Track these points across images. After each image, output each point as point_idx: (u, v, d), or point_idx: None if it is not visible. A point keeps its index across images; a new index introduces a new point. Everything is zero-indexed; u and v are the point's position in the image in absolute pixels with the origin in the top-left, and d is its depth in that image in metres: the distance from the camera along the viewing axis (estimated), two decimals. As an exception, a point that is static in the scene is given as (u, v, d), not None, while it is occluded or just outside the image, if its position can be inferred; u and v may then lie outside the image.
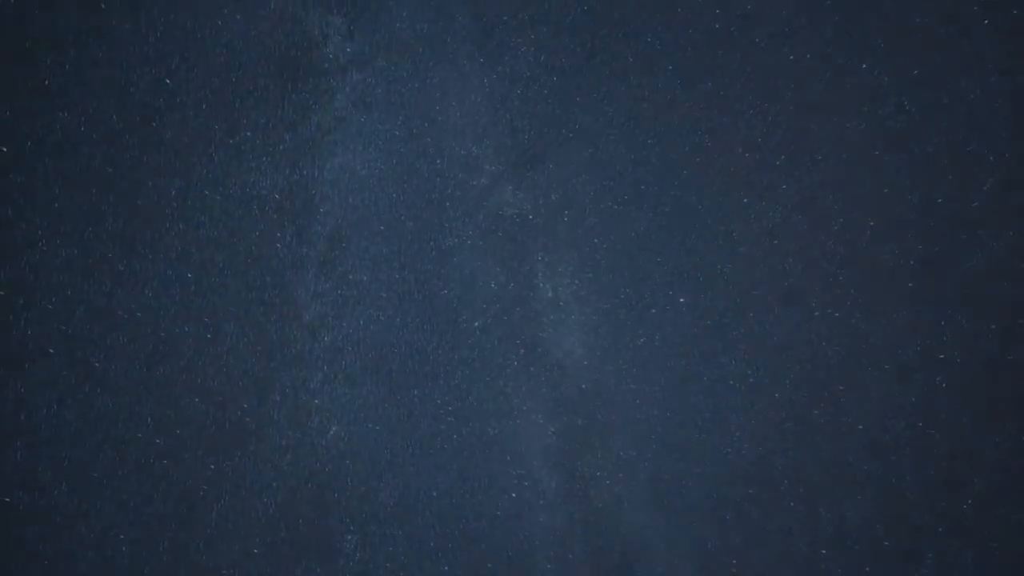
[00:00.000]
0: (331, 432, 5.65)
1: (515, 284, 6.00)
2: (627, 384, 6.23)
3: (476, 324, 5.83)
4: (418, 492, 6.03)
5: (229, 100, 5.46)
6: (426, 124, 5.72)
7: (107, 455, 5.52)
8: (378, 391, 5.89)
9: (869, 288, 6.41)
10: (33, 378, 5.43)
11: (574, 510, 6.30)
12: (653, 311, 6.23)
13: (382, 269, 5.67)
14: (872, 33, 6.19)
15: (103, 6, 5.09)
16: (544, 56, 5.84)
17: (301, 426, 5.65)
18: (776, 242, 6.47)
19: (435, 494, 6.03)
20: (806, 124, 6.41)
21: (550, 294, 6.09)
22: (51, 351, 5.35)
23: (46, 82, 5.10)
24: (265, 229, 5.71)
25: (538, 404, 6.14)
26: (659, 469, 6.38)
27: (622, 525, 6.36)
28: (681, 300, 6.26)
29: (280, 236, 5.69)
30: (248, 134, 5.44)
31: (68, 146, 5.36)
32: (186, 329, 5.49)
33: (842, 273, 6.45)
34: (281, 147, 5.57)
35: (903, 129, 6.16)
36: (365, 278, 5.67)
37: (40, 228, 5.42)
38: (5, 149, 4.51)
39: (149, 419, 5.56)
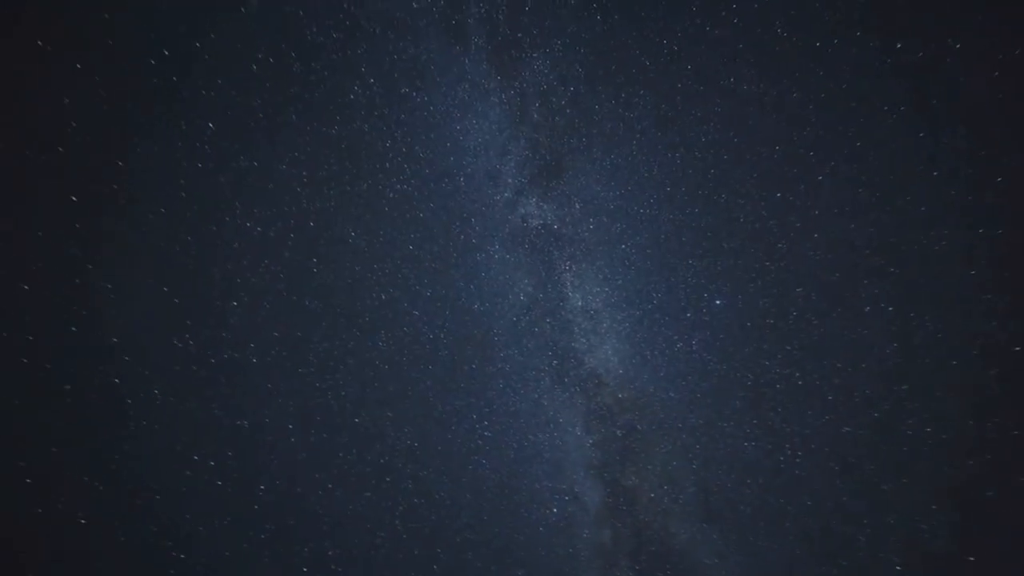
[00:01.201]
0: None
1: (544, 295, 5.42)
2: (666, 392, 5.46)
3: (508, 337, 5.25)
4: (459, 508, 5.45)
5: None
6: (448, 144, 5.30)
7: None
8: (414, 408, 5.39)
9: (923, 279, 5.39)
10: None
11: (619, 524, 5.53)
12: (688, 315, 5.47)
13: (412, 286, 5.21)
14: (898, 12, 5.29)
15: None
16: (559, 68, 5.35)
17: (339, 443, 5.19)
18: (818, 236, 5.59)
19: (476, 510, 5.40)
20: (838, 113, 5.52)
21: (580, 303, 5.47)
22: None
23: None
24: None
25: (574, 415, 5.48)
26: (707, 480, 5.52)
27: (671, 539, 5.51)
28: (718, 302, 5.47)
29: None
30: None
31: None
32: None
33: (892, 264, 5.48)
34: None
35: (943, 118, 5.19)
36: (397, 294, 5.23)
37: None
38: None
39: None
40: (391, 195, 5.34)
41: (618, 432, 5.33)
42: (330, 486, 5.39)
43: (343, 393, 5.47)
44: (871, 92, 5.26)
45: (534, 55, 5.26)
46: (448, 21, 5.31)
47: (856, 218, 5.35)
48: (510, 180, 5.35)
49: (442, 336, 5.38)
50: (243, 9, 5.05)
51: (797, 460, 5.27)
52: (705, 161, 5.43)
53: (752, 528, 5.31)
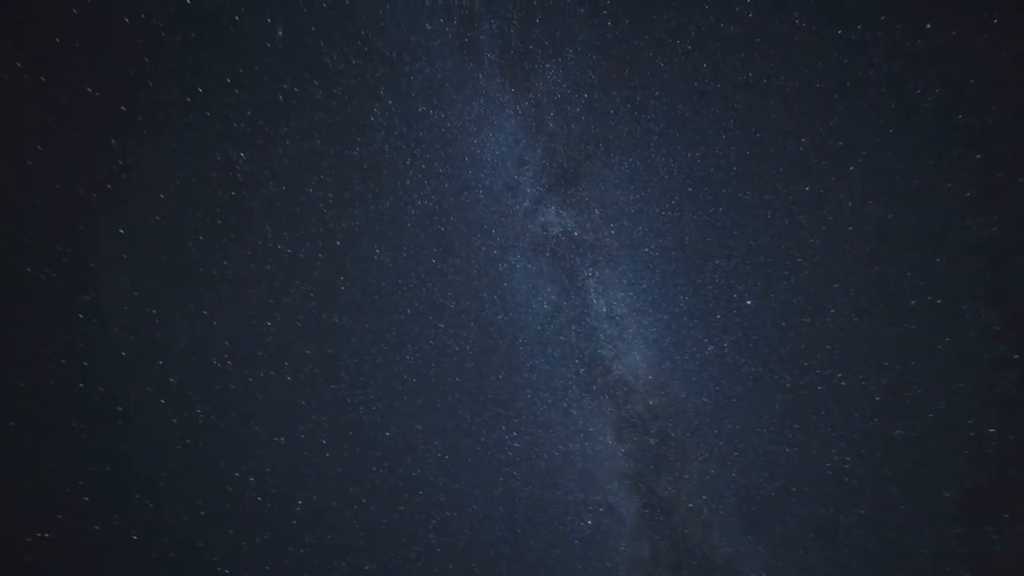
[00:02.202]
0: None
1: (568, 302, 4.95)
2: (699, 398, 4.84)
3: (533, 346, 4.77)
4: (492, 521, 4.95)
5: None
6: (466, 158, 4.96)
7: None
8: (443, 421, 4.96)
9: (974, 267, 4.63)
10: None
11: (657, 536, 4.90)
12: (718, 317, 4.86)
13: (436, 299, 4.83)
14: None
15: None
16: (572, 76, 4.95)
17: (371, 457, 4.81)
18: (853, 228, 4.91)
19: (509, 523, 4.88)
20: (867, 99, 4.86)
21: (604, 309, 4.96)
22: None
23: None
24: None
25: (605, 424, 4.93)
26: (748, 489, 4.83)
27: (713, 552, 4.82)
28: (749, 303, 4.85)
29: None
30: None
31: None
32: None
33: (939, 254, 4.75)
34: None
35: (984, 96, 4.47)
36: (422, 308, 4.86)
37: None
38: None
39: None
40: (413, 211, 5.03)
41: (651, 440, 4.72)
42: (364, 500, 5.00)
43: (373, 407, 5.11)
44: (902, 75, 4.59)
45: (547, 65, 4.88)
46: (461, 39, 5.01)
47: (895, 207, 4.64)
48: (529, 190, 4.97)
49: (467, 348, 4.95)
50: (269, 44, 4.90)
51: (846, 467, 4.53)
52: (727, 158, 4.86)
53: (801, 540, 4.57)
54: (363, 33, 5.21)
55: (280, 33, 5.16)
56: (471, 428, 5.14)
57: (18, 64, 4.87)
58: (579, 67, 5.20)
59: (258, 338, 5.28)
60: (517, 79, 5.29)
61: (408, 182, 5.38)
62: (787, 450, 4.68)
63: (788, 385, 4.75)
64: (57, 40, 4.67)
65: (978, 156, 4.60)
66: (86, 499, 5.25)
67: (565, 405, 4.98)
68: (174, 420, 5.23)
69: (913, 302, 4.64)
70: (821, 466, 4.67)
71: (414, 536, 5.24)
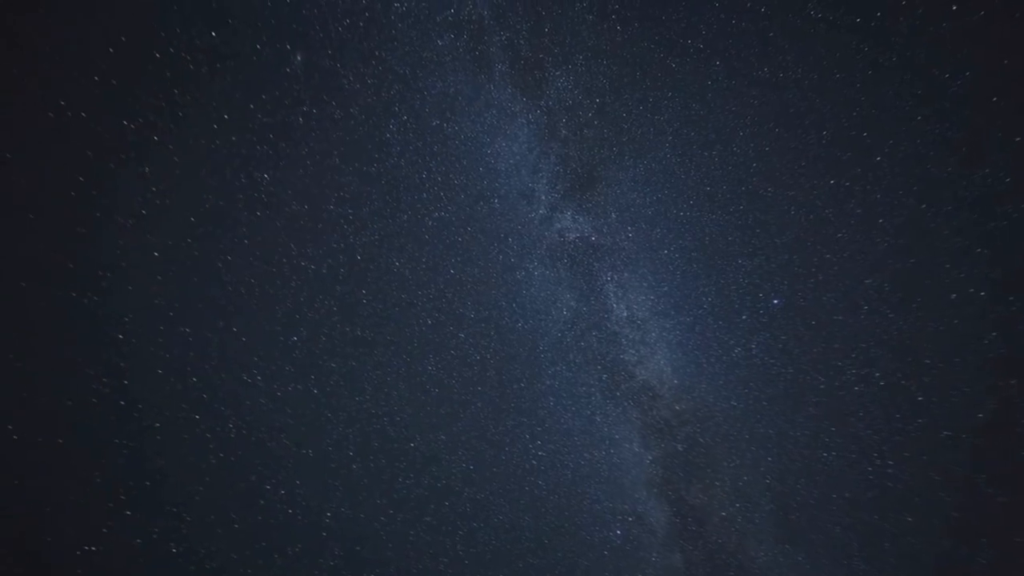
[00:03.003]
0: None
1: (588, 308, 4.58)
2: (728, 402, 4.37)
3: (554, 353, 4.40)
4: (519, 532, 4.55)
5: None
6: (480, 168, 4.69)
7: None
8: (467, 431, 4.62)
9: (1016, 258, 4.04)
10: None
11: (690, 547, 4.41)
12: (744, 318, 4.40)
13: (456, 309, 4.53)
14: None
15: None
16: (583, 82, 4.65)
17: (397, 468, 4.50)
18: (883, 221, 4.40)
19: (536, 533, 4.48)
20: (892, 87, 4.37)
21: (625, 313, 4.57)
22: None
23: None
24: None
25: (630, 430, 4.50)
26: (785, 496, 4.30)
27: (750, 563, 4.29)
28: (775, 302, 4.38)
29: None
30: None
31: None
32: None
33: (979, 244, 4.18)
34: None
35: (1018, 75, 3.92)
36: (442, 318, 4.57)
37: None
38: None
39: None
40: (430, 223, 4.78)
41: (679, 447, 4.27)
42: (391, 511, 4.69)
43: (397, 418, 4.81)
44: (928, 60, 4.07)
45: (557, 73, 4.59)
46: (472, 53, 4.77)
47: (928, 196, 4.10)
48: (543, 197, 4.66)
49: (488, 357, 4.62)
50: (288, 70, 4.76)
51: (889, 471, 3.97)
52: (745, 155, 4.42)
53: (845, 549, 4.01)
54: (377, 53, 5.04)
55: (299, 59, 5.05)
56: (495, 437, 4.78)
57: (62, 103, 4.86)
58: (589, 73, 4.87)
59: (285, 353, 5.08)
60: (528, 88, 5.01)
61: (425, 195, 5.14)
62: (824, 455, 4.15)
63: (822, 387, 4.23)
64: (95, 78, 4.66)
65: (1018, 139, 4.03)
66: (128, 513, 5.12)
67: (589, 412, 4.57)
68: (208, 435, 5.05)
69: (954, 295, 4.08)
70: (862, 471, 4.12)
71: (441, 547, 4.88)
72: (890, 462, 4.15)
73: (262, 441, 5.22)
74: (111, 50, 4.82)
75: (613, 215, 4.87)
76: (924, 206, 4.32)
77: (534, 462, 4.65)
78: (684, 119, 4.85)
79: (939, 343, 4.18)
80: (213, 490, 5.21)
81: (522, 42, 5.11)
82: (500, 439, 4.85)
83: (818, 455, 4.21)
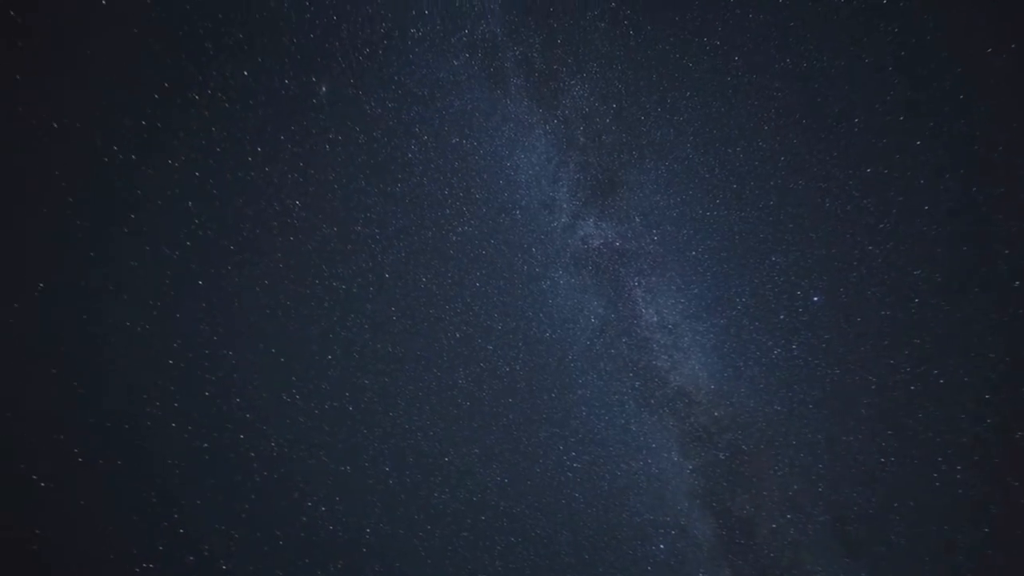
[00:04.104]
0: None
1: (616, 314, 4.13)
2: (770, 406, 3.77)
3: (584, 362, 3.93)
4: (558, 546, 4.06)
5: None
6: (500, 181, 4.34)
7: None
8: (500, 443, 4.19)
9: None
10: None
11: (740, 561, 3.81)
12: (782, 317, 3.82)
13: (484, 322, 4.15)
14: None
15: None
16: (599, 89, 4.28)
17: (433, 483, 4.12)
18: (929, 208, 3.77)
19: (576, 547, 3.97)
20: (929, 68, 3.75)
21: (655, 318, 4.06)
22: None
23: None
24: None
25: (668, 439, 3.98)
26: (841, 506, 3.64)
27: None
28: (815, 299, 3.80)
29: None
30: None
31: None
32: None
33: None
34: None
35: None
36: (470, 331, 4.20)
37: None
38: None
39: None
40: (454, 238, 4.45)
41: (721, 455, 3.69)
42: (429, 527, 4.28)
43: (431, 432, 4.44)
44: (967, 36, 3.44)
45: (572, 82, 4.21)
46: (487, 70, 4.46)
47: (978, 178, 3.42)
48: (565, 205, 4.29)
49: (518, 368, 4.21)
50: (314, 100, 4.59)
51: (958, 476, 3.24)
52: (772, 150, 3.88)
53: (913, 563, 3.31)
54: (396, 78, 4.81)
55: (323, 89, 4.88)
56: (528, 449, 4.32)
57: (114, 147, 4.84)
58: (605, 79, 4.46)
59: (321, 372, 4.82)
60: (544, 100, 4.66)
61: (447, 211, 4.83)
62: (882, 460, 3.49)
63: (874, 387, 3.58)
64: (142, 122, 4.64)
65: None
66: (181, 531, 4.91)
67: (623, 421, 4.05)
68: (251, 454, 4.81)
69: (1017, 283, 3.36)
70: (927, 477, 3.43)
71: (480, 563, 4.42)
72: (958, 467, 3.44)
73: (302, 458, 4.94)
74: (156, 96, 4.82)
75: (637, 219, 4.38)
76: (974, 189, 3.63)
77: (569, 474, 4.14)
78: (705, 118, 4.35)
79: (1004, 335, 3.46)
80: (259, 508, 4.95)
81: (535, 55, 4.78)
82: (533, 451, 4.38)
83: (875, 461, 3.54)
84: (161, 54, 4.95)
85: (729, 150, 4.48)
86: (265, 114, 5.21)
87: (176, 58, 4.95)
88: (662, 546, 4.14)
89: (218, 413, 5.21)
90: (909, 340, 3.88)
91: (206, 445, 5.24)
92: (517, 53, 4.99)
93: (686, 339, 4.30)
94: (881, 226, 4.01)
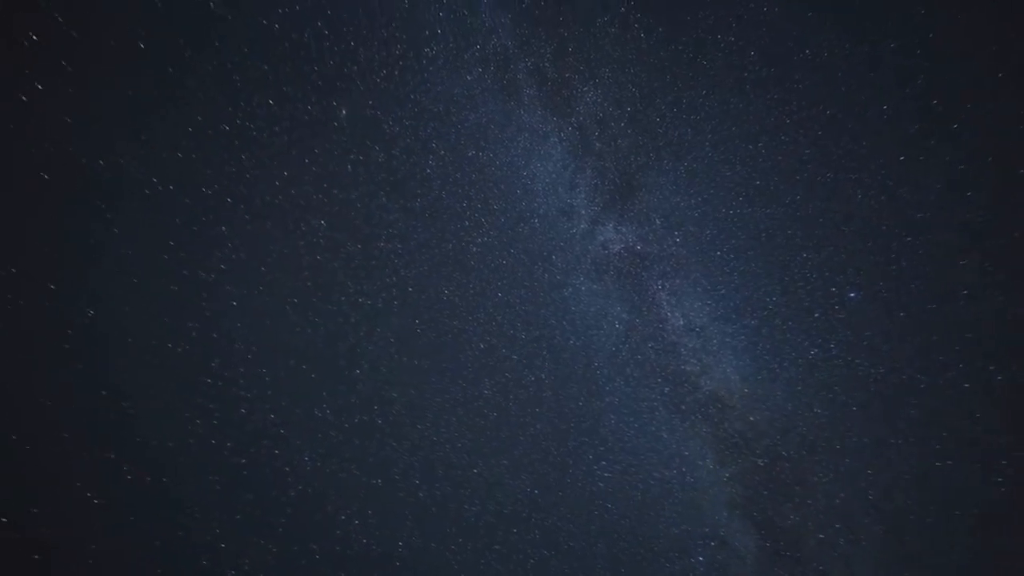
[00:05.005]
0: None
1: (641, 319, 3.78)
2: (810, 409, 3.33)
3: (610, 369, 3.58)
4: (593, 559, 3.70)
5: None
6: (518, 191, 4.08)
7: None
8: (528, 454, 3.86)
9: None
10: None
11: (786, 575, 3.29)
12: (817, 315, 3.39)
13: (507, 331, 3.87)
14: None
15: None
16: (612, 94, 4.00)
17: (463, 495, 3.81)
18: (971, 193, 3.29)
19: (612, 561, 3.58)
20: (960, 47, 3.28)
21: (682, 321, 3.69)
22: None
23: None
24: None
25: (701, 446, 3.58)
26: (895, 515, 3.13)
27: None
28: (852, 295, 3.36)
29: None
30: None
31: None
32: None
33: None
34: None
35: None
36: (494, 341, 3.91)
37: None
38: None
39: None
40: (474, 249, 4.20)
41: (759, 462, 3.25)
42: (461, 540, 3.97)
43: (459, 444, 4.15)
44: (1009, 7, 2.99)
45: (584, 89, 3.94)
46: (500, 82, 4.24)
47: None
48: (583, 211, 4.00)
49: (543, 377, 3.89)
50: (335, 123, 4.46)
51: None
52: (796, 143, 3.48)
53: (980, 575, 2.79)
54: (412, 96, 4.65)
55: (344, 112, 4.75)
56: (557, 459, 3.98)
57: (154, 179, 4.82)
58: (618, 83, 4.16)
59: (350, 386, 4.62)
60: (558, 108, 4.38)
61: (467, 223, 4.58)
62: (938, 464, 3.01)
63: (923, 386, 3.11)
64: (179, 154, 4.62)
65: None
66: (223, 545, 4.74)
67: (654, 429, 3.66)
68: (286, 468, 4.62)
69: None
70: (990, 482, 2.88)
71: None
72: (1026, 470, 2.89)
73: (335, 472, 4.72)
74: (190, 129, 4.80)
75: (657, 221, 4.02)
76: (1023, 171, 3.12)
77: (601, 484, 3.77)
78: (723, 115, 3.98)
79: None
80: (295, 522, 4.75)
81: (547, 65, 4.53)
82: (563, 461, 4.03)
83: (930, 465, 3.05)
84: (194, 90, 4.94)
85: (750, 146, 4.08)
86: (290, 139, 5.13)
87: (208, 93, 4.93)
88: (701, 558, 3.70)
89: (254, 430, 5.06)
90: (959, 335, 3.37)
91: (244, 461, 5.09)
92: (529, 64, 4.75)
93: (715, 342, 3.89)
94: (920, 216, 3.54)
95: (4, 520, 4.62)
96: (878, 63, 3.83)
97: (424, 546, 4.76)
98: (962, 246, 3.57)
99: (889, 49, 3.81)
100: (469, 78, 4.87)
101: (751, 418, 3.72)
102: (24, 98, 4.05)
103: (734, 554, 3.76)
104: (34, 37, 3.83)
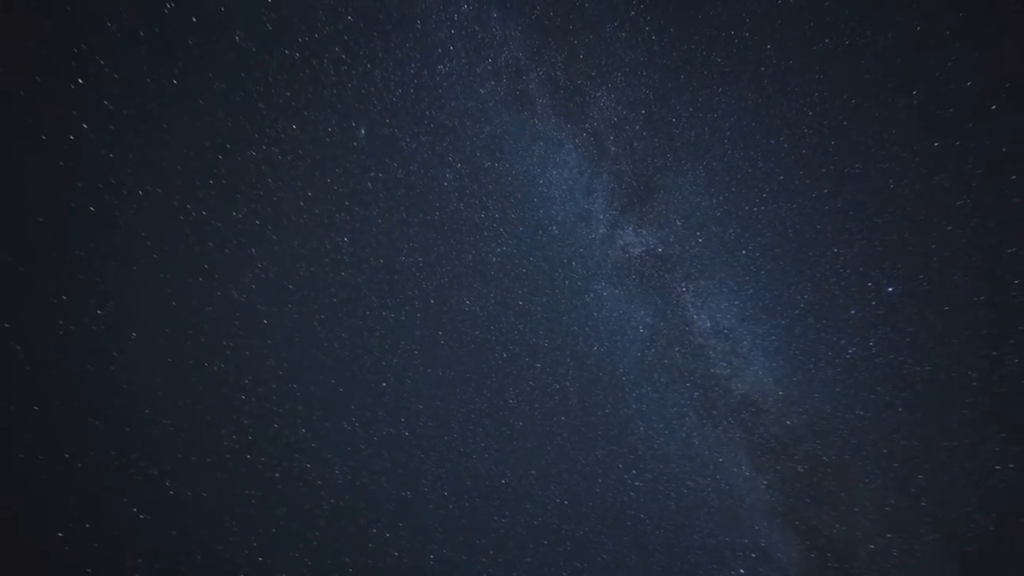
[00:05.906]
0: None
1: (665, 322, 3.57)
2: (851, 411, 3.03)
3: (636, 374, 3.37)
4: (627, 572, 3.45)
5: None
6: (535, 199, 3.94)
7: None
8: (556, 464, 3.68)
9: None
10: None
11: None
12: (853, 312, 3.12)
13: (530, 340, 3.71)
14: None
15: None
16: (626, 97, 3.83)
17: (492, 507, 3.64)
18: (1016, 177, 2.96)
19: (647, 573, 3.33)
20: (989, 26, 2.97)
21: (708, 324, 3.45)
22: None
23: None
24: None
25: (736, 452, 3.30)
26: (952, 523, 2.80)
27: None
28: (890, 289, 3.06)
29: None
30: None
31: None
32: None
33: None
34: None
35: None
36: (517, 350, 3.76)
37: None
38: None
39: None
40: (494, 259, 4.07)
41: (799, 468, 2.96)
42: (491, 552, 3.78)
43: (486, 455, 3.99)
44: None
45: (598, 94, 3.79)
46: (513, 93, 4.15)
47: None
48: (602, 216, 3.84)
49: (568, 384, 3.69)
50: (355, 143, 4.44)
51: None
52: (820, 134, 3.22)
53: None
54: (427, 112, 4.59)
55: (362, 132, 4.73)
56: (586, 469, 3.77)
57: (188, 206, 4.88)
58: (631, 87, 3.99)
59: (377, 399, 4.51)
60: (571, 115, 4.25)
61: (486, 233, 4.46)
62: (998, 467, 2.65)
63: (975, 384, 2.77)
64: (210, 181, 4.69)
65: None
66: (260, 559, 4.67)
67: (684, 435, 3.41)
68: (319, 482, 4.52)
69: None
70: None
71: None
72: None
73: (365, 485, 4.61)
74: (220, 157, 4.86)
75: (678, 222, 3.79)
76: None
77: (632, 494, 3.52)
78: (741, 111, 3.74)
79: None
80: (328, 535, 4.65)
81: (559, 73, 4.40)
82: (592, 470, 3.81)
83: (990, 468, 2.71)
84: (223, 119, 5.00)
85: (771, 141, 3.82)
86: (313, 161, 5.13)
87: (236, 121, 4.99)
88: (742, 571, 3.40)
89: (287, 444, 4.99)
90: (1014, 328, 3.01)
91: (278, 475, 5.03)
92: (541, 74, 4.64)
93: (745, 343, 3.61)
94: (960, 203, 3.21)
95: (59, 535, 4.66)
96: (904, 49, 3.53)
97: (455, 559, 4.58)
98: (1007, 233, 3.21)
99: (915, 33, 3.51)
100: (482, 91, 4.78)
101: (787, 422, 3.41)
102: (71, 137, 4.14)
103: (776, 566, 3.44)
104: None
